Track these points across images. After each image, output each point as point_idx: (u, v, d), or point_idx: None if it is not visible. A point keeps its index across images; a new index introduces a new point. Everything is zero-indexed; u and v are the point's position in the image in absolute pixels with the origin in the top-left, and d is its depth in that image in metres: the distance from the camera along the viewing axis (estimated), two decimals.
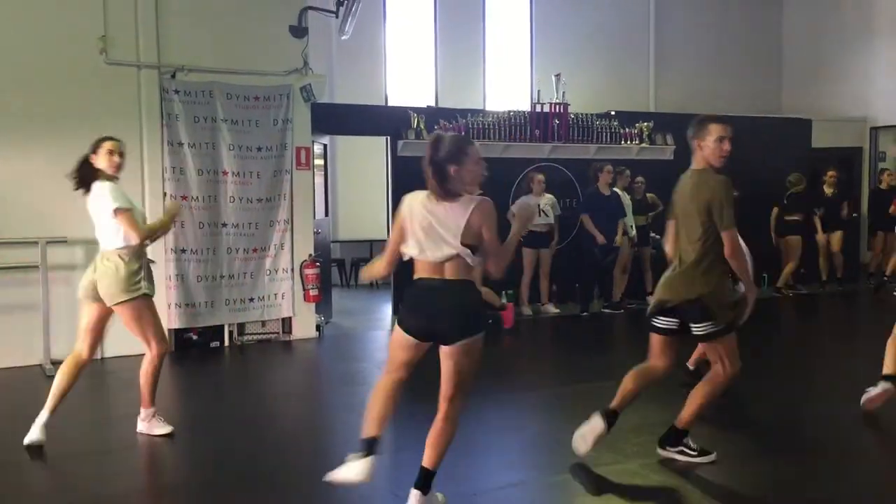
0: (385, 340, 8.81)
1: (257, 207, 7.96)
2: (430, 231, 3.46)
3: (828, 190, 11.33)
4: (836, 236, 11.35)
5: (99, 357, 7.33)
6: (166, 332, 7.32)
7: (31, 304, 7.06)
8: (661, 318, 4.26)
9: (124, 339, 7.38)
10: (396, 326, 3.60)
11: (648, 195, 10.44)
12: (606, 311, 9.82)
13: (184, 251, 7.69)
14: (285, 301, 8.14)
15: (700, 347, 4.94)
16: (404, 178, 9.69)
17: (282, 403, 6.01)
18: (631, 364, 4.47)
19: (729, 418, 5.12)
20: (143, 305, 4.79)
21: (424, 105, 10.95)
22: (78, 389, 4.95)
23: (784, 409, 5.54)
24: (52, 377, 6.66)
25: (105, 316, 4.86)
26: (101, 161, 4.78)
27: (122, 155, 4.85)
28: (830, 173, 11.34)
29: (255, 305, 8.02)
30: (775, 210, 10.98)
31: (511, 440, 4.48)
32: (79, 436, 5.12)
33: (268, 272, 8.05)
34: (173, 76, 7.56)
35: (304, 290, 8.18)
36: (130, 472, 4.55)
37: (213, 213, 7.78)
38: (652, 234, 10.47)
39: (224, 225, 7.83)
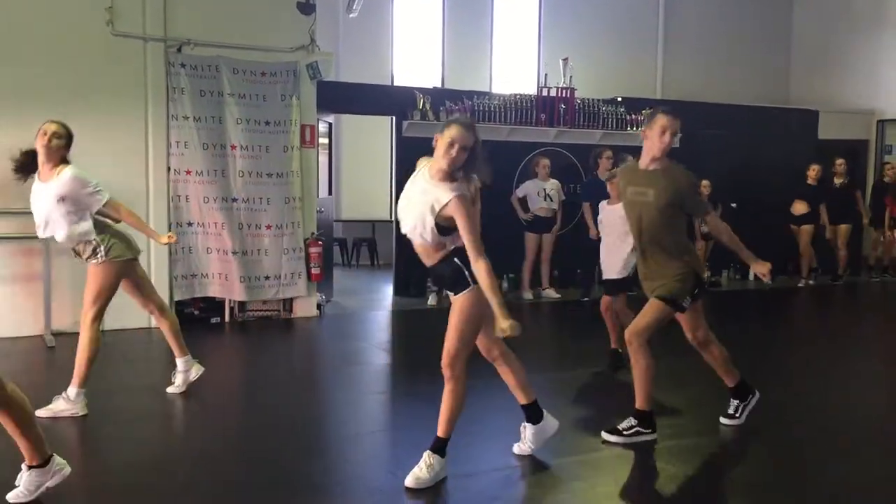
0: (386, 321, 8.83)
1: (268, 182, 7.88)
2: None
3: (836, 180, 11.24)
4: (843, 229, 11.20)
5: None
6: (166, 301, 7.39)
7: (33, 275, 7.08)
8: None
9: (126, 313, 7.48)
10: None
11: None
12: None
13: (190, 224, 7.69)
14: (301, 280, 8.10)
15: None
16: (409, 159, 9.65)
17: (281, 380, 6.02)
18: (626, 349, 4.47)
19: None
20: None
21: (430, 86, 10.90)
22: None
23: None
24: (52, 348, 6.73)
25: None
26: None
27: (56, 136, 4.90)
28: (839, 162, 11.23)
29: (272, 283, 7.98)
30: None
31: (508, 424, 4.48)
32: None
33: (285, 251, 7.99)
34: (179, 50, 7.53)
35: (306, 268, 8.18)
36: (129, 443, 4.57)
37: (220, 187, 7.74)
38: None
39: (234, 200, 7.80)
